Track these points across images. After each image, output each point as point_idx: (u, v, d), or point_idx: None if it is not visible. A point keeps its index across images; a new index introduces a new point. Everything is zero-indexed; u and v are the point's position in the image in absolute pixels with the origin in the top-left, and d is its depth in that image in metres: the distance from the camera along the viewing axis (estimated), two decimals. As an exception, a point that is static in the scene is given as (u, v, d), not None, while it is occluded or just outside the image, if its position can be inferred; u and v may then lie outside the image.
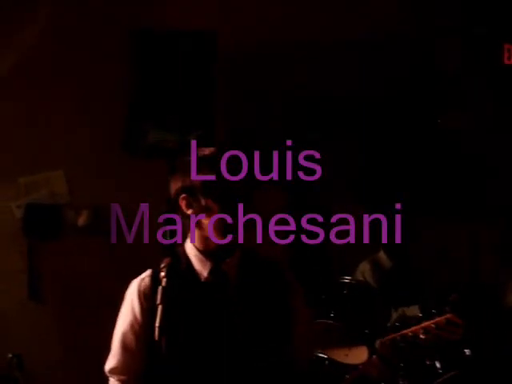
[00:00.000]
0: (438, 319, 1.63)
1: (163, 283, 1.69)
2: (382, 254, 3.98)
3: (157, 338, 1.59)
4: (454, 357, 3.27)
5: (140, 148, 3.97)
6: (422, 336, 1.64)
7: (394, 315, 3.73)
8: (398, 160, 4.44)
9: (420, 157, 4.44)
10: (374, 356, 1.68)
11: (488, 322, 3.71)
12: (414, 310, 3.72)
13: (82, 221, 4.37)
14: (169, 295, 1.69)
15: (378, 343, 1.69)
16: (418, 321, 3.50)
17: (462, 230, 4.31)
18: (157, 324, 1.61)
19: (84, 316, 3.73)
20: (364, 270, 3.89)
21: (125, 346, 1.93)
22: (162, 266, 1.77)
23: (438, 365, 3.25)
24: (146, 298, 1.91)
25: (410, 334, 1.64)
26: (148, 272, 1.98)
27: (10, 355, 3.57)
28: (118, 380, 1.95)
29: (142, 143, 3.94)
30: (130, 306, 1.94)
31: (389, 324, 3.54)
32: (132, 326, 1.92)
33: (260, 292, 1.93)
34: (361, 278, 3.77)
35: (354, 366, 3.25)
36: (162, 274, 1.73)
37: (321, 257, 4.31)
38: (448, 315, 1.64)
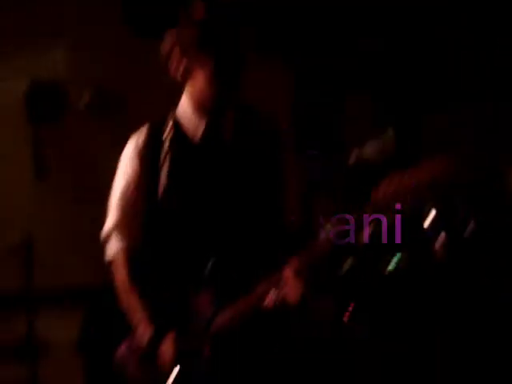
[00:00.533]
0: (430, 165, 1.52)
1: (167, 143, 1.65)
2: (390, 132, 3.89)
3: (160, 196, 1.55)
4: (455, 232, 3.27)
5: (141, 23, 3.83)
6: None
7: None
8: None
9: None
10: (367, 205, 1.59)
11: (492, 208, 3.69)
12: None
13: (84, 101, 4.31)
14: (170, 155, 1.64)
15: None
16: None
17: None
18: (161, 183, 1.57)
19: (90, 196, 3.72)
20: (371, 149, 3.82)
21: (124, 204, 1.91)
22: (164, 126, 1.74)
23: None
24: (143, 156, 1.87)
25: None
26: (144, 129, 1.93)
27: (19, 236, 3.60)
28: (117, 240, 1.95)
29: (142, 18, 3.80)
30: (127, 162, 1.91)
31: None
32: (129, 183, 1.90)
33: (254, 151, 1.89)
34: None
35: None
36: (166, 133, 1.68)
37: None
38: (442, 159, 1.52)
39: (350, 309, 3.18)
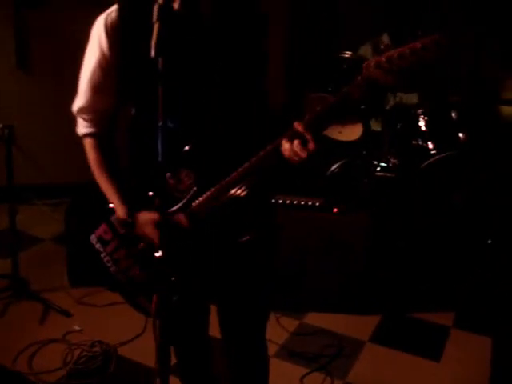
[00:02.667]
0: (424, 39, 1.49)
1: (155, 15, 1.53)
2: (384, 37, 3.81)
3: (153, 55, 1.45)
4: (447, 139, 3.26)
5: None
6: (408, 57, 1.52)
7: (392, 101, 3.67)
8: None
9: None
10: (359, 77, 1.58)
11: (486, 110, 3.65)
12: (412, 98, 3.66)
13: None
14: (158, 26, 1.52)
15: (363, 65, 1.58)
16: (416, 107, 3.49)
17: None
18: (153, 42, 1.47)
19: (72, 85, 3.59)
20: (366, 52, 3.74)
21: (93, 85, 1.80)
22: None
23: (430, 146, 3.25)
24: (114, 32, 1.77)
25: (396, 55, 1.51)
26: (114, 6, 1.81)
27: (1, 126, 3.49)
28: (85, 119, 1.86)
29: None
30: (97, 43, 1.78)
31: (387, 107, 3.49)
32: (100, 63, 1.78)
33: (236, 26, 1.76)
34: (361, 60, 3.64)
35: (348, 143, 3.27)
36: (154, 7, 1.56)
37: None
38: (435, 36, 1.50)
39: (336, 209, 3.18)
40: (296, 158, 1.63)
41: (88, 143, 1.90)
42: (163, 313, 1.55)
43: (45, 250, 4.11)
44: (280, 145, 1.65)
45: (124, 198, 1.85)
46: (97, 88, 1.81)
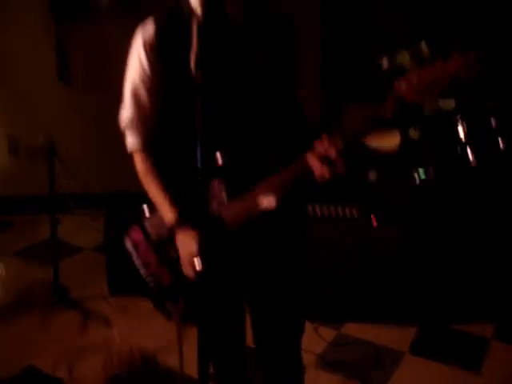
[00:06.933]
0: (456, 60, 1.48)
1: (194, 27, 1.55)
2: (423, 46, 3.77)
3: (193, 71, 1.48)
4: (487, 146, 3.21)
5: None
6: (440, 77, 1.51)
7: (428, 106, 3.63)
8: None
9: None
10: (389, 97, 1.58)
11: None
12: (449, 103, 3.61)
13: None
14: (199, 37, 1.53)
15: (395, 84, 1.59)
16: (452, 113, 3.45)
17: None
18: (192, 60, 1.50)
19: (112, 96, 3.69)
20: (402, 60, 3.71)
21: (137, 99, 1.84)
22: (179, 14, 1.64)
23: (470, 154, 3.21)
24: (152, 49, 1.78)
25: (427, 75, 1.52)
26: (150, 20, 1.81)
27: (42, 138, 3.54)
28: (133, 133, 1.89)
29: None
30: (137, 58, 1.80)
31: (425, 114, 3.45)
32: (142, 78, 1.81)
33: (265, 40, 1.75)
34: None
35: (384, 150, 3.25)
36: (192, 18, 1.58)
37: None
38: (469, 55, 1.48)
39: (373, 218, 3.16)
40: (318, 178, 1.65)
41: (139, 158, 1.94)
42: (202, 321, 1.56)
43: (85, 258, 4.18)
44: (307, 162, 1.66)
45: (174, 205, 1.86)
46: (140, 101, 1.85)
